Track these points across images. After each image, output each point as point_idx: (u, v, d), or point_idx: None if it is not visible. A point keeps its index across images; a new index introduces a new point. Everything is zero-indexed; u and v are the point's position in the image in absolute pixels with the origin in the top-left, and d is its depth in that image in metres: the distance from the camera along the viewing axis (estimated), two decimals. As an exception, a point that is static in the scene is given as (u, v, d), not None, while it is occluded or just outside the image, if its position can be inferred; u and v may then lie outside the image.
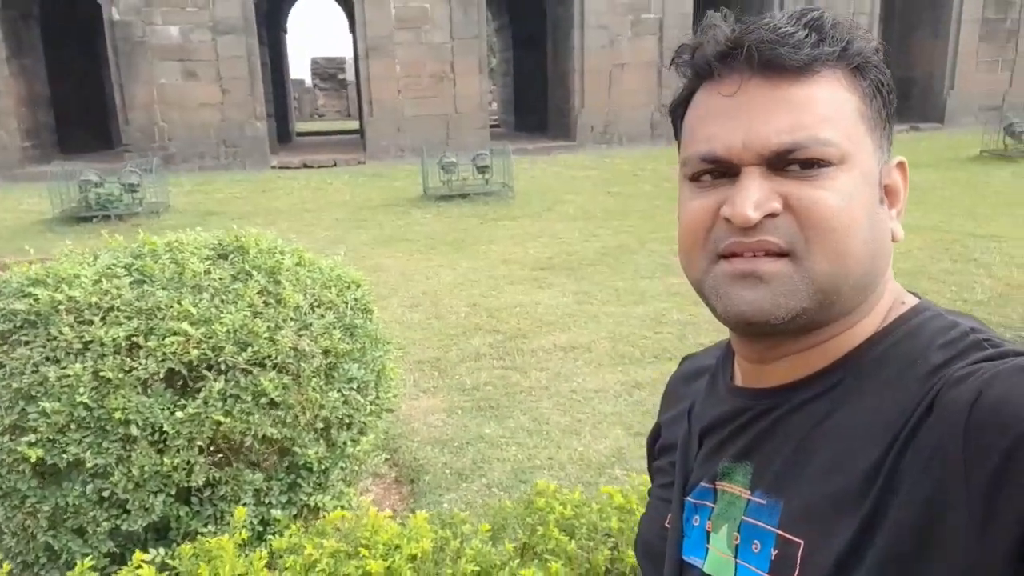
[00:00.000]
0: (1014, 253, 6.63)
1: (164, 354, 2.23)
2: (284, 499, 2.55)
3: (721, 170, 0.61)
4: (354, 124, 24.66)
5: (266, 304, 2.55)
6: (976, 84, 18.36)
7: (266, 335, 2.41)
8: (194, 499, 2.35)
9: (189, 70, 15.05)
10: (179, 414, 2.20)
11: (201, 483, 2.29)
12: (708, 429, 0.70)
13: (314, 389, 2.50)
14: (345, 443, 2.68)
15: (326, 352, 2.59)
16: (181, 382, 2.34)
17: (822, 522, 0.56)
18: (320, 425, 2.58)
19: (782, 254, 0.59)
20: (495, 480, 3.41)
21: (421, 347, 5.21)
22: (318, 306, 2.67)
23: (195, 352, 2.28)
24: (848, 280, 0.60)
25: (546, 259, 7.57)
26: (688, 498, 0.70)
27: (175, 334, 2.26)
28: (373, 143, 16.17)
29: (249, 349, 2.38)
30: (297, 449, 2.52)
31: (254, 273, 2.59)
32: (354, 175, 13.77)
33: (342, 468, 2.74)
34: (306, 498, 2.59)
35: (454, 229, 9.14)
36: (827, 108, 0.59)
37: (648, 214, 9.58)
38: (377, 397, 2.86)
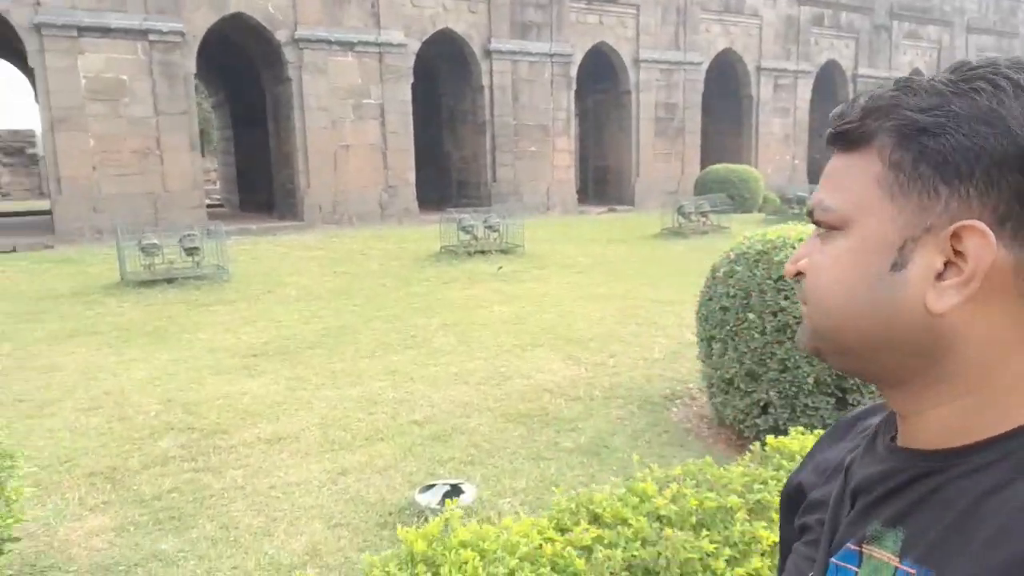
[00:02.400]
0: (684, 315, 7.64)
1: None
2: None
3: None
4: (47, 204, 21.72)
5: None
6: (656, 172, 21.46)
7: None
8: None
9: None
10: None
11: None
12: (861, 488, 0.67)
13: None
14: (-64, 596, 2.13)
15: (-98, 482, 2.05)
16: None
17: None
18: None
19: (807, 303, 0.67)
20: (167, 605, 2.95)
21: (95, 456, 4.49)
22: None
23: None
24: (849, 335, 0.63)
25: (260, 345, 7.10)
26: (833, 559, 0.67)
27: None
28: (63, 224, 14.31)
29: None
30: None
31: None
32: (36, 261, 11.97)
33: (-66, 629, 2.16)
34: None
35: (156, 317, 8.26)
36: (842, 176, 0.63)
37: (374, 292, 9.53)
38: (-11, 529, 2.34)
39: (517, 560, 2.35)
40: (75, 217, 14.33)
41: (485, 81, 18.59)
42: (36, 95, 14.43)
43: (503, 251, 12.13)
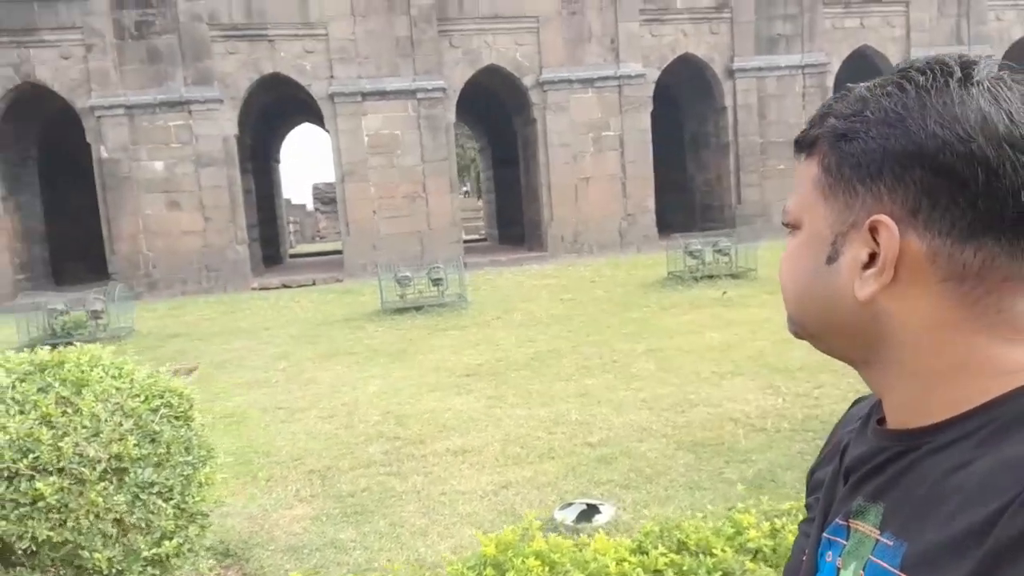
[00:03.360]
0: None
1: (-63, 462, 2.44)
2: (71, 602, 2.67)
3: None
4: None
5: (63, 413, 2.77)
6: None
7: (50, 442, 2.62)
8: (-39, 602, 2.48)
9: (173, 200, 15.93)
10: (-55, 518, 2.38)
11: (-34, 585, 2.43)
12: (851, 467, 0.72)
13: (98, 493, 2.68)
14: (141, 548, 2.82)
15: (118, 457, 2.78)
16: (-35, 489, 2.53)
17: (939, 566, 0.57)
18: (111, 529, 2.73)
19: None
20: (328, 583, 3.49)
21: (318, 457, 5.34)
22: (118, 414, 2.88)
23: (-27, 460, 2.49)
24: (809, 321, 0.69)
25: (476, 366, 7.77)
26: (824, 534, 0.72)
27: (-47, 443, 2.48)
28: (350, 261, 16.77)
29: (31, 455, 2.58)
30: (84, 552, 2.67)
31: (55, 384, 2.83)
32: (325, 293, 14.23)
33: (140, 572, 2.86)
34: (96, 601, 2.70)
35: (400, 340, 9.40)
36: (797, 181, 0.69)
37: (592, 318, 9.83)
38: (184, 501, 3.02)
39: (583, 575, 2.44)
40: (359, 254, 16.73)
41: (728, 101, 18.08)
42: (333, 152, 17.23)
43: (733, 276, 11.69)
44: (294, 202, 40.56)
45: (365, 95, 16.53)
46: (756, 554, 2.60)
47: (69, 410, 2.79)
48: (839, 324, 0.66)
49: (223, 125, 16.02)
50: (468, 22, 16.84)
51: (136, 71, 15.67)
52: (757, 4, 17.89)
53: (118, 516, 2.73)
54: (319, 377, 7.80)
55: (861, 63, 18.81)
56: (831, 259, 0.65)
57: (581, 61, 17.28)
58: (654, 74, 17.66)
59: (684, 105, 20.23)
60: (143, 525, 2.84)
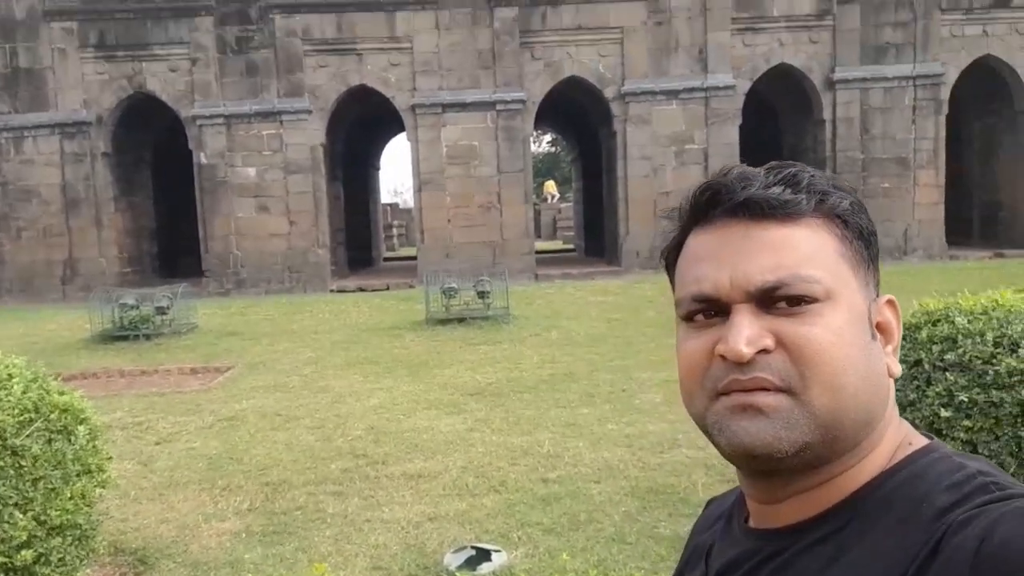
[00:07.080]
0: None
1: None
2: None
3: (713, 309, 0.64)
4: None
5: (-77, 422, 2.92)
6: (1067, 206, 16.94)
7: None
8: None
9: (262, 204, 16.82)
10: None
11: None
12: (722, 571, 0.70)
13: (-62, 501, 2.80)
14: (-11, 554, 2.92)
15: (-32, 468, 2.89)
16: None
17: None
18: (-47, 535, 2.84)
19: (779, 390, 0.60)
20: (202, 605, 3.49)
21: (281, 469, 5.40)
22: (-22, 426, 3.00)
23: None
24: (849, 414, 0.60)
25: (485, 385, 7.64)
26: None
27: None
28: (424, 267, 16.99)
29: None
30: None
31: (-77, 395, 2.99)
32: (388, 299, 14.54)
33: (-10, 578, 2.96)
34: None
35: (428, 352, 9.43)
36: (808, 248, 0.62)
37: (627, 342, 9.45)
38: (44, 513, 3.10)
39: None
40: (432, 262, 16.96)
41: (827, 114, 16.95)
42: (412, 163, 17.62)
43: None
44: (401, 206, 41.87)
45: (445, 106, 16.79)
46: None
47: (-71, 419, 2.93)
48: (875, 409, 0.63)
49: (311, 135, 16.76)
50: (551, 34, 16.75)
51: (235, 83, 16.68)
52: (863, 11, 16.69)
53: (-39, 524, 2.84)
54: (332, 385, 7.94)
55: (983, 74, 17.14)
56: (874, 336, 0.63)
57: (666, 72, 16.76)
58: (745, 85, 16.84)
59: (782, 117, 19.20)
60: (-6, 535, 2.94)
